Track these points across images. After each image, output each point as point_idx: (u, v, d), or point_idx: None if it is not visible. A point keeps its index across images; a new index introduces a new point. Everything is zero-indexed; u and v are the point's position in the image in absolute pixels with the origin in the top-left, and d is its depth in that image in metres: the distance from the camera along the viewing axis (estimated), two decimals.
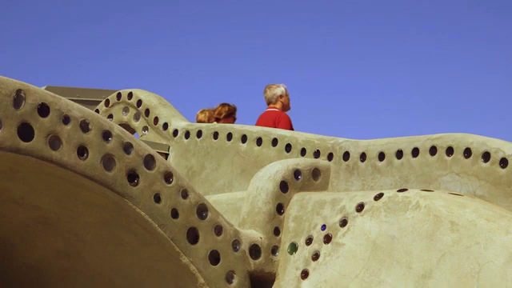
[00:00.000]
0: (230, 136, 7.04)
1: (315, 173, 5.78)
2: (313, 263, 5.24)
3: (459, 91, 21.76)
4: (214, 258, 5.08)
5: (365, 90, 22.17)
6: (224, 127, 7.20)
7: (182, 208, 4.95)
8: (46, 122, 4.47)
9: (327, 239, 5.25)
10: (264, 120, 8.15)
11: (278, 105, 8.29)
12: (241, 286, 5.16)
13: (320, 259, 5.22)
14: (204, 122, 8.55)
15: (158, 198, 4.85)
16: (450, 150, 5.46)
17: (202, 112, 8.84)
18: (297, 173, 5.65)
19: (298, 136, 6.50)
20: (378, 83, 22.09)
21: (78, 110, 4.61)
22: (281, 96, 8.30)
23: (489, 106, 21.07)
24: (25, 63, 22.22)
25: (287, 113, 8.36)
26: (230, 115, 8.59)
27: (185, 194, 4.97)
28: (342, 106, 22.33)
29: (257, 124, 8.05)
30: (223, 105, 8.63)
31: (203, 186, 7.02)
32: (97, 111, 8.08)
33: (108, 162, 4.68)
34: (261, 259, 5.32)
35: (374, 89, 22.30)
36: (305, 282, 5.23)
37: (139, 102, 7.94)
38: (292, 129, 8.03)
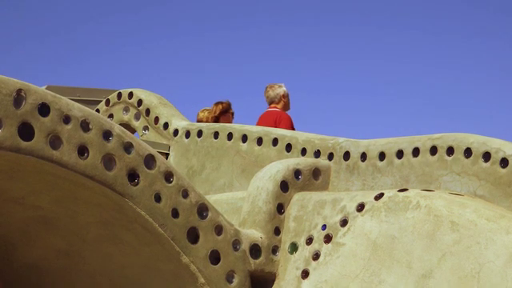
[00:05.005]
0: (230, 136, 7.04)
1: (316, 173, 5.78)
2: (313, 263, 5.24)
3: (459, 91, 21.76)
4: (215, 257, 5.08)
5: (365, 89, 22.17)
6: (224, 127, 7.20)
7: (182, 208, 4.95)
8: (46, 121, 4.47)
9: (327, 239, 5.25)
10: (265, 120, 8.14)
11: (280, 105, 8.29)
12: (241, 286, 5.16)
13: (320, 259, 5.22)
14: (204, 121, 8.55)
15: (158, 198, 4.85)
16: (450, 150, 5.46)
17: (202, 111, 8.84)
18: (297, 172, 5.65)
19: (299, 136, 6.50)
20: (378, 83, 22.09)
21: (78, 110, 4.61)
22: (283, 96, 8.30)
23: (489, 106, 21.08)
24: (25, 63, 22.23)
25: (288, 112, 8.36)
26: (226, 112, 8.59)
27: (185, 194, 4.97)
28: (342, 106, 22.33)
29: (257, 124, 8.05)
30: (216, 104, 8.65)
31: (203, 186, 7.02)
32: (97, 111, 8.08)
33: (108, 161, 4.68)
34: (261, 259, 5.32)
35: (374, 89, 22.30)
36: (305, 282, 5.23)
37: (140, 102, 7.94)
38: (293, 129, 8.03)
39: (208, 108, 8.82)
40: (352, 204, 5.24)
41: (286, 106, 8.32)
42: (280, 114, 8.18)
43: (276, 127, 7.52)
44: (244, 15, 22.69)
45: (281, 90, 8.33)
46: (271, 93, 8.35)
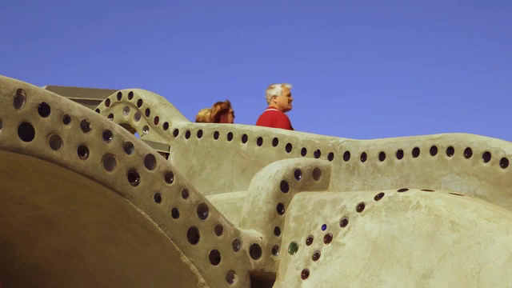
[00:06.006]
0: (230, 136, 7.04)
1: (316, 172, 5.78)
2: (313, 263, 5.24)
3: (459, 91, 21.76)
4: (215, 257, 5.08)
5: (365, 89, 22.16)
6: (224, 127, 7.21)
7: (182, 208, 4.95)
8: (46, 121, 4.47)
9: (328, 239, 5.25)
10: (262, 120, 8.14)
11: (276, 105, 8.28)
12: (241, 286, 5.16)
13: (320, 259, 5.22)
14: (205, 121, 8.55)
15: (158, 198, 4.85)
16: (450, 150, 5.46)
17: (202, 111, 8.84)
18: (297, 172, 5.65)
19: (299, 136, 6.50)
20: (378, 83, 22.08)
21: (78, 110, 4.61)
22: (274, 96, 8.27)
23: (489, 106, 21.08)
24: (25, 63, 22.23)
25: (288, 113, 8.35)
26: (225, 112, 8.58)
27: (185, 194, 4.97)
28: (342, 106, 22.33)
29: (257, 124, 8.05)
30: (215, 104, 8.65)
31: (204, 186, 7.02)
32: (97, 111, 8.08)
33: (108, 161, 4.68)
34: (261, 259, 5.32)
35: (374, 89, 22.29)
36: (305, 282, 5.23)
37: (140, 102, 7.94)
38: (291, 128, 8.02)
39: (207, 108, 8.81)
40: (352, 204, 5.24)
41: (282, 107, 8.28)
42: (276, 114, 8.17)
43: (273, 127, 7.53)
44: (244, 15, 22.69)
45: (273, 90, 8.31)
46: (266, 93, 8.37)
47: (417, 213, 4.91)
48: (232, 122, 8.45)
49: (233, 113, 8.64)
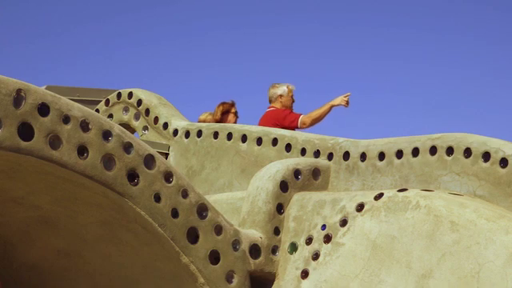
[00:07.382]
0: (230, 136, 7.04)
1: (315, 172, 5.78)
2: (313, 263, 5.25)
3: (459, 91, 21.76)
4: (214, 257, 5.08)
5: (365, 89, 22.15)
6: (224, 127, 7.21)
7: (182, 208, 4.95)
8: (46, 121, 4.47)
9: (327, 239, 5.25)
10: (264, 120, 8.12)
11: (278, 104, 8.25)
12: (241, 286, 5.16)
13: (320, 259, 5.22)
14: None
15: (158, 198, 4.85)
16: (450, 150, 5.46)
17: (203, 115, 8.83)
18: (297, 172, 5.65)
19: (298, 136, 6.50)
20: (377, 83, 22.07)
21: (78, 110, 4.61)
22: (281, 96, 8.25)
23: (489, 106, 21.07)
24: (25, 63, 22.22)
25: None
26: (226, 112, 8.56)
27: (185, 194, 4.98)
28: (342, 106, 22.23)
29: (260, 124, 8.02)
30: (219, 105, 8.63)
31: (203, 186, 7.02)
32: (97, 111, 8.08)
33: (108, 161, 4.69)
34: (261, 259, 5.33)
35: (374, 89, 22.28)
36: (305, 282, 5.23)
37: (139, 102, 7.94)
38: (293, 121, 7.96)
39: (208, 112, 8.80)
40: (352, 204, 5.24)
41: (286, 107, 8.25)
42: (278, 112, 8.14)
43: (280, 125, 7.52)
44: (244, 14, 22.69)
45: (278, 89, 8.28)
46: (271, 92, 8.33)
47: (416, 213, 4.91)
48: (234, 123, 8.43)
49: (236, 113, 8.61)
